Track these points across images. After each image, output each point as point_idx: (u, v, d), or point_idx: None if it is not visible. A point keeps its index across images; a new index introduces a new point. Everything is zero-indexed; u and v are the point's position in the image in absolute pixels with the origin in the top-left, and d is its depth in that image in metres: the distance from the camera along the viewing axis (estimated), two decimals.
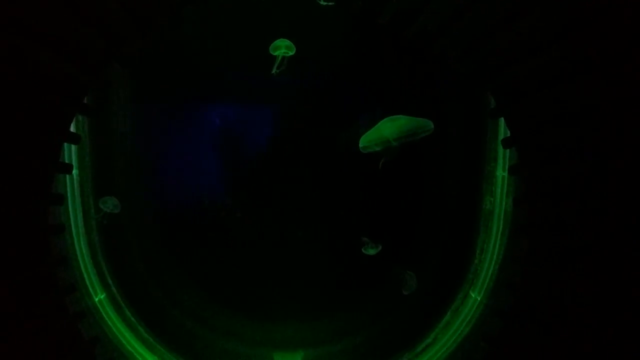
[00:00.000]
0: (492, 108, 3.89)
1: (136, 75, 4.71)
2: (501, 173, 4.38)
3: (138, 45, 3.45)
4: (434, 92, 4.72)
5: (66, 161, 4.16)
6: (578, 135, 3.24)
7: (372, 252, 4.59)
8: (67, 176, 4.29)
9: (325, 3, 4.01)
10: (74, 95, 3.25)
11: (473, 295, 4.55)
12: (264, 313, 5.17)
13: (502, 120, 4.25)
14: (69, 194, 4.38)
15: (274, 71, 4.43)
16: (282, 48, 4.43)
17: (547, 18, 2.86)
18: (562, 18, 2.79)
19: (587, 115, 3.11)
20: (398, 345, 4.81)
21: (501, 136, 4.32)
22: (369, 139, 3.80)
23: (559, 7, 2.73)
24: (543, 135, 3.36)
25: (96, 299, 4.53)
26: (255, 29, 4.60)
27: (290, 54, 4.43)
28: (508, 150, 4.27)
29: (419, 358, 4.65)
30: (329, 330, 5.15)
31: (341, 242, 5.03)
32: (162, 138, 5.01)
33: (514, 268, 4.05)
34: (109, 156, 4.62)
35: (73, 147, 4.21)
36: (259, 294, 5.14)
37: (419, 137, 3.70)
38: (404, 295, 4.68)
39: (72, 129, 4.10)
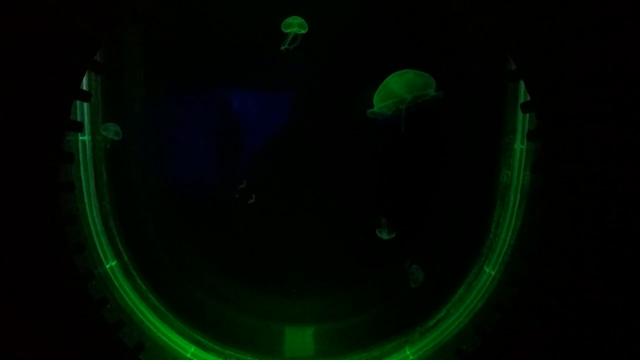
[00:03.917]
0: (512, 70, 3.77)
1: (151, 44, 4.66)
2: (519, 146, 4.25)
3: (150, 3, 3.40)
4: (452, 58, 4.58)
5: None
6: (599, 98, 3.12)
7: (385, 236, 4.53)
8: (80, 140, 4.30)
9: None
10: (85, 51, 3.22)
11: (487, 270, 4.45)
12: (275, 287, 5.14)
13: (522, 89, 4.11)
14: (81, 158, 4.38)
15: (283, 47, 4.38)
16: (295, 26, 4.36)
17: None
18: None
19: (609, 77, 2.99)
20: (410, 319, 4.74)
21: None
22: (379, 97, 3.74)
23: None
24: (563, 99, 3.24)
25: (107, 266, 4.54)
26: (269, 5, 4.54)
27: (303, 32, 4.37)
28: (527, 123, 4.16)
29: (431, 332, 4.57)
30: (341, 305, 5.10)
31: (355, 217, 4.95)
32: (175, 108, 4.96)
33: (529, 237, 3.96)
34: (122, 122, 4.55)
35: (85, 109, 4.20)
36: (272, 267, 5.10)
37: (428, 97, 3.64)
38: (418, 268, 4.61)
39: (85, 89, 4.11)
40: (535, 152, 4.08)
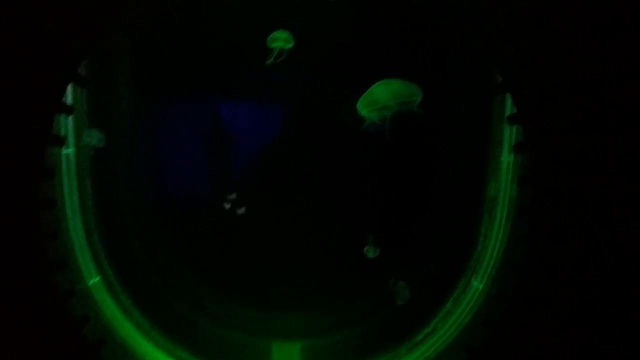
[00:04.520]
0: (498, 83, 3.78)
1: (139, 54, 4.64)
2: (506, 158, 4.26)
3: (138, 12, 3.37)
4: (437, 70, 4.59)
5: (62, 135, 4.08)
6: (587, 111, 3.13)
7: (371, 254, 4.50)
8: (64, 154, 4.23)
9: None
10: (67, 64, 3.18)
11: (475, 284, 4.42)
12: (262, 302, 5.06)
13: (508, 101, 4.11)
14: (64, 172, 4.30)
15: (268, 62, 4.37)
16: (281, 40, 4.36)
17: None
18: None
19: (595, 89, 3.00)
20: (397, 335, 4.68)
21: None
22: (363, 103, 3.75)
23: None
24: (550, 112, 3.25)
25: (90, 282, 4.44)
26: (256, 19, 4.53)
27: (289, 46, 4.36)
28: (514, 134, 4.16)
29: (418, 347, 4.52)
30: (328, 320, 5.03)
31: (342, 233, 4.90)
32: (163, 121, 4.92)
33: (516, 251, 3.95)
34: (109, 133, 4.48)
35: (70, 121, 4.13)
36: (259, 282, 5.02)
37: (413, 106, 3.65)
38: (404, 285, 4.58)
39: (69, 101, 4.06)
40: (521, 164, 4.09)
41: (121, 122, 4.73)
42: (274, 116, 4.90)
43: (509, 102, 4.09)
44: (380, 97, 3.73)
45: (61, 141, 3.77)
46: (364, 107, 3.93)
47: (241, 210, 4.77)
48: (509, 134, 4.22)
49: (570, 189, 3.34)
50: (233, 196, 4.80)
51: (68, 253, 4.23)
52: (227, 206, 4.78)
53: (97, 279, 4.52)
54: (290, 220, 4.93)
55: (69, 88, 3.97)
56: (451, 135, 4.69)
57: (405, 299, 4.44)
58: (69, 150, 4.29)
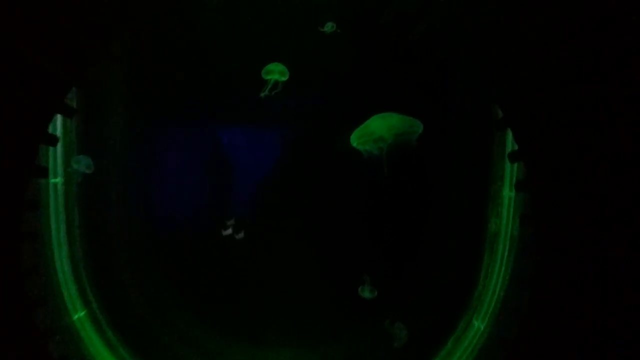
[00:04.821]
0: (499, 119, 3.66)
1: (133, 81, 4.55)
2: (508, 193, 4.13)
3: (126, 39, 3.29)
4: (438, 105, 4.49)
5: (50, 165, 3.97)
6: (588, 148, 3.01)
7: (367, 295, 4.33)
8: (52, 183, 4.10)
9: (330, 30, 3.88)
10: (53, 94, 3.06)
11: (476, 324, 4.24)
12: (256, 339, 4.85)
13: (509, 136, 4.01)
14: (51, 202, 4.18)
15: (263, 94, 4.28)
16: (275, 73, 4.28)
17: (554, 21, 2.66)
18: (569, 21, 2.59)
19: (597, 125, 2.88)
20: None
21: (508, 152, 4.09)
22: (358, 135, 3.63)
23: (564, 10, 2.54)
24: (551, 149, 3.12)
25: (75, 317, 4.26)
26: (252, 49, 4.47)
27: (284, 79, 4.28)
28: (515, 169, 4.05)
29: None
30: (326, 358, 4.83)
31: (337, 269, 4.74)
32: (156, 150, 4.80)
33: (519, 290, 3.79)
34: (98, 163, 4.35)
35: (59, 149, 4.02)
36: (253, 318, 4.84)
37: (412, 138, 3.53)
38: (403, 324, 4.40)
39: (59, 130, 3.96)
40: (523, 201, 3.95)
41: (113, 149, 4.60)
42: (268, 147, 4.79)
43: (509, 137, 4.00)
44: (376, 130, 3.61)
45: (44, 172, 3.63)
46: (358, 139, 3.80)
47: (240, 235, 4.62)
48: (510, 170, 4.11)
49: (573, 227, 3.19)
50: (232, 222, 4.66)
51: (52, 286, 4.09)
52: (225, 232, 4.64)
53: (83, 313, 4.34)
54: (284, 255, 4.76)
55: (59, 116, 3.87)
56: (450, 170, 4.57)
57: (403, 341, 4.24)
58: (57, 180, 4.17)
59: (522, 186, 3.71)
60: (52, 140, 3.51)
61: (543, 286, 3.41)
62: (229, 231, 4.62)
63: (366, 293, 4.26)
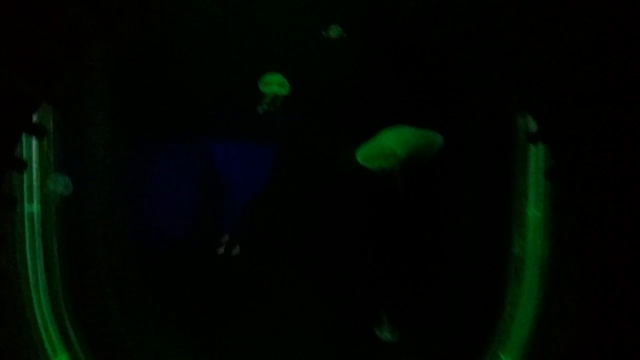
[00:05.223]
0: (532, 132, 3.27)
1: (115, 94, 4.18)
2: (533, 212, 3.75)
3: (107, 48, 2.93)
4: (454, 117, 4.12)
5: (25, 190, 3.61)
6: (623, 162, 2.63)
7: (387, 336, 3.89)
8: (27, 213, 3.70)
9: (336, 36, 3.54)
10: (19, 112, 2.67)
11: (503, 358, 3.82)
12: None
13: (532, 151, 3.70)
14: (27, 234, 3.77)
15: (260, 109, 3.89)
16: (274, 84, 3.88)
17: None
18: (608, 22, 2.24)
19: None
20: None
21: (532, 167, 3.74)
22: (368, 150, 3.25)
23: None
24: (593, 164, 2.73)
25: None
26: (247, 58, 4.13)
27: (284, 92, 3.89)
28: (541, 185, 3.68)
29: None
30: None
31: (348, 306, 4.35)
32: (143, 169, 4.44)
33: (554, 326, 3.38)
34: (80, 185, 3.97)
35: (34, 173, 3.66)
36: (251, 354, 4.39)
37: (429, 153, 3.15)
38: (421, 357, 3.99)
39: (34, 150, 3.61)
40: (552, 219, 3.57)
41: (96, 169, 4.22)
42: (265, 167, 4.41)
43: (533, 151, 3.69)
44: (389, 145, 3.24)
45: (13, 201, 3.24)
46: (367, 156, 3.45)
47: (236, 251, 4.29)
48: (535, 186, 3.74)
49: (621, 250, 2.79)
50: (225, 238, 4.35)
51: (30, 327, 3.65)
52: (221, 250, 4.32)
53: (64, 356, 3.91)
54: (281, 283, 4.37)
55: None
56: (468, 188, 4.20)
57: None
58: (33, 208, 3.78)
59: (558, 208, 3.31)
60: (21, 165, 3.10)
61: (584, 321, 3.00)
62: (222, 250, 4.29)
63: (385, 334, 3.80)
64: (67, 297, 4.03)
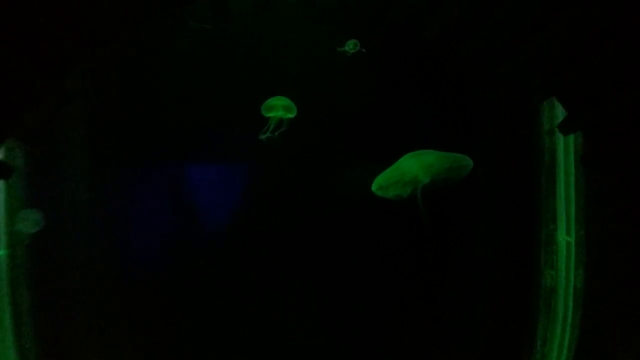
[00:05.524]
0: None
1: (92, 120, 3.81)
2: (564, 237, 3.43)
3: (77, 75, 2.51)
4: (470, 130, 3.82)
5: None
6: None
7: None
8: None
9: (352, 50, 3.35)
10: None
11: None
12: None
13: (561, 167, 3.41)
14: None
15: (263, 136, 3.48)
16: (279, 109, 3.49)
17: None
18: None
19: None
20: None
21: (560, 189, 3.44)
22: (385, 177, 3.08)
23: None
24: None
25: None
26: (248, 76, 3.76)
27: (290, 116, 3.49)
28: (573, 208, 3.38)
29: None
30: None
31: (359, 334, 4.00)
32: (123, 205, 4.05)
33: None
34: (52, 222, 3.59)
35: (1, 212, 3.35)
36: None
37: (456, 180, 2.91)
38: None
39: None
40: (586, 245, 3.26)
41: (70, 204, 3.83)
42: (267, 201, 4.00)
43: (561, 173, 3.42)
44: (410, 170, 2.94)
45: None
46: (386, 185, 3.16)
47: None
48: (566, 209, 3.42)
49: None
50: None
51: None
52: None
53: None
54: (278, 315, 4.00)
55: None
56: (491, 214, 3.87)
57: None
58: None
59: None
60: None
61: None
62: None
63: None
64: (37, 349, 3.58)
